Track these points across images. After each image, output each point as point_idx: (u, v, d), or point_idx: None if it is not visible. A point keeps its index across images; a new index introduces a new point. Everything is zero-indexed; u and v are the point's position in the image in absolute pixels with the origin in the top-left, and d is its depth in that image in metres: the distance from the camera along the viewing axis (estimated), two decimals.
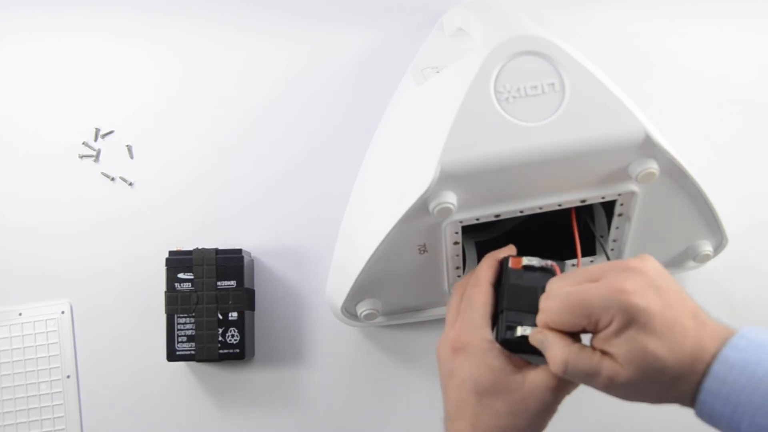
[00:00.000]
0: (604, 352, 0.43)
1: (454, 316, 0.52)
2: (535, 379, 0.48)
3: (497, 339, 0.49)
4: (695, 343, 0.42)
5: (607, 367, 0.42)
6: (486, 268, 0.53)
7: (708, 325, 0.43)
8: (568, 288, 0.45)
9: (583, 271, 0.46)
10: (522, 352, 0.49)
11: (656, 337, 0.41)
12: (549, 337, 0.45)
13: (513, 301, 0.50)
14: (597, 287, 0.43)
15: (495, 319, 0.51)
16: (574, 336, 0.45)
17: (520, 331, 0.48)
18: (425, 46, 0.72)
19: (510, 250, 0.55)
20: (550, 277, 0.49)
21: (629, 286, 0.42)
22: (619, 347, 0.42)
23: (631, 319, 0.41)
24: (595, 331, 0.44)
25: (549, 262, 0.52)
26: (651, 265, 0.44)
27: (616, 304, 0.42)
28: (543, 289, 0.48)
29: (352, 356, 0.71)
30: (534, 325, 0.47)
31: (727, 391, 0.40)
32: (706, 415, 0.42)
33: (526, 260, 0.51)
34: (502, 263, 0.53)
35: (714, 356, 0.41)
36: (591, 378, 0.43)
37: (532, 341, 0.47)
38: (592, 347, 0.44)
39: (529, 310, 0.48)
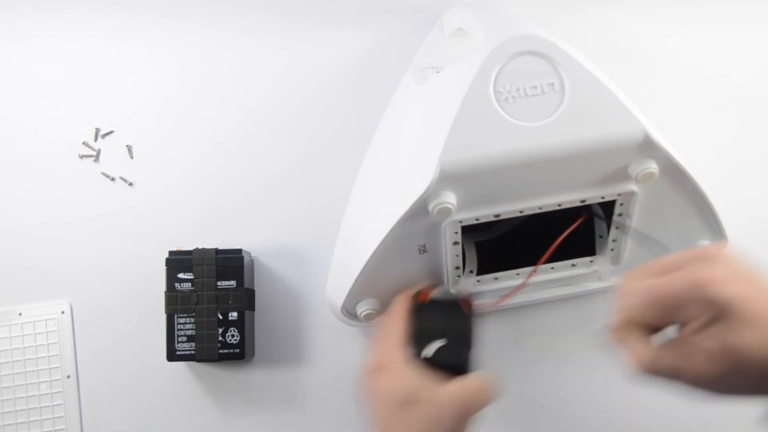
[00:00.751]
0: (691, 347, 0.40)
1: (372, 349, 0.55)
2: (450, 390, 0.49)
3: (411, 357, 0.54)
4: None
5: (695, 363, 0.40)
6: (399, 302, 0.58)
7: None
8: (649, 281, 0.42)
9: (659, 262, 0.43)
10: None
11: (749, 328, 0.38)
12: (630, 335, 0.43)
13: (422, 326, 0.55)
14: (680, 279, 0.40)
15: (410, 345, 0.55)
16: (654, 329, 0.43)
17: (425, 351, 0.53)
18: (425, 46, 0.72)
19: (420, 287, 0.60)
20: (455, 306, 0.57)
21: (717, 275, 0.39)
22: (708, 341, 0.39)
23: (722, 311, 0.38)
24: (681, 324, 0.41)
25: (455, 295, 0.59)
26: (731, 251, 0.42)
27: (704, 295, 0.39)
28: (449, 316, 0.56)
29: (352, 356, 0.71)
30: (440, 346, 0.53)
31: None
32: None
33: (434, 293, 0.59)
34: (415, 295, 0.59)
35: None
36: (677, 375, 0.41)
37: (614, 338, 0.44)
38: (678, 341, 0.41)
39: (435, 335, 0.54)
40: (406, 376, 0.51)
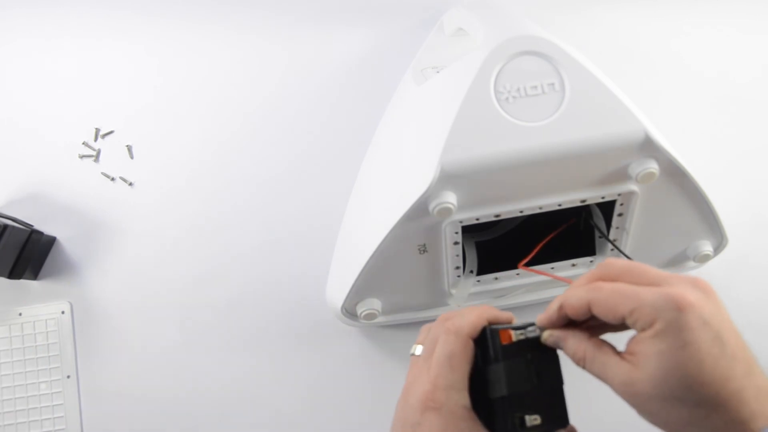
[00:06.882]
0: (630, 354, 0.40)
1: (429, 354, 0.46)
2: None
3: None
4: (739, 386, 0.37)
5: (626, 368, 0.40)
6: (474, 318, 0.44)
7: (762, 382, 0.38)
8: (625, 285, 0.40)
9: (645, 271, 0.41)
10: None
11: (697, 348, 0.37)
12: (569, 332, 0.42)
13: (513, 385, 0.42)
14: (658, 291, 0.39)
15: (472, 380, 0.43)
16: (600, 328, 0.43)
17: (529, 421, 0.41)
18: (425, 46, 0.72)
19: (508, 317, 0.46)
20: (550, 357, 0.43)
21: (691, 298, 0.38)
22: (650, 347, 0.38)
23: (677, 325, 0.38)
24: (633, 328, 0.40)
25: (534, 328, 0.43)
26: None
27: (668, 305, 0.38)
28: (542, 369, 0.43)
29: (352, 356, 0.71)
30: (537, 413, 0.42)
31: None
32: None
33: (519, 334, 0.43)
34: (491, 333, 0.43)
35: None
36: (606, 377, 0.41)
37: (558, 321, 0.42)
38: (627, 351, 0.41)
39: (530, 393, 0.42)
40: (462, 429, 0.42)
